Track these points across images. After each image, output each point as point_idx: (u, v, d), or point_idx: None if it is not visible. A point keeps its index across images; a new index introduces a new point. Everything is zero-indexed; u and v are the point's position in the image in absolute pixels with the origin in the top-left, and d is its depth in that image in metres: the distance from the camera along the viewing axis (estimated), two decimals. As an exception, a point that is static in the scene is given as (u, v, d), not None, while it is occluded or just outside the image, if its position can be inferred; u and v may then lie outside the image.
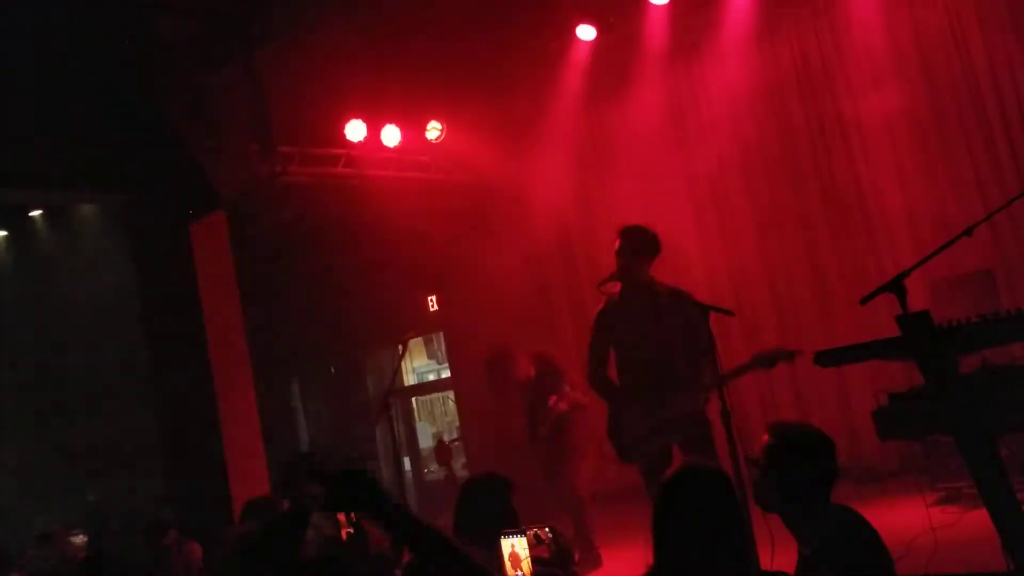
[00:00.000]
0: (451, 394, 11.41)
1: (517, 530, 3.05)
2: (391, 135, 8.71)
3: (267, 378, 9.11)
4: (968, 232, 3.58)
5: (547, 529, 3.37)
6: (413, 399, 12.40)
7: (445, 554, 2.12)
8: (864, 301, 3.47)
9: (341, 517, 4.07)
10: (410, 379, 12.43)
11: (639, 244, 5.26)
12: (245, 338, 8.30)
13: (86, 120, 7.56)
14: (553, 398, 6.84)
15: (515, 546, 3.00)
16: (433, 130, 9.06)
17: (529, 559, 3.00)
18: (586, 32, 8.60)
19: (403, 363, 11.53)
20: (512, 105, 9.75)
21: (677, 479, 2.52)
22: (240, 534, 3.01)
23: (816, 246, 8.11)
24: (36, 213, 11.42)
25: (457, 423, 11.17)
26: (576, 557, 6.32)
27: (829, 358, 3.79)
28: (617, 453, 5.35)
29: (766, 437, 2.95)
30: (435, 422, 12.49)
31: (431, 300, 10.62)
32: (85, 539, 8.63)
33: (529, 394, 7.15)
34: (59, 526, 8.77)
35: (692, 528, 2.40)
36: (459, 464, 10.47)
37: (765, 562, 3.71)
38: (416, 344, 12.07)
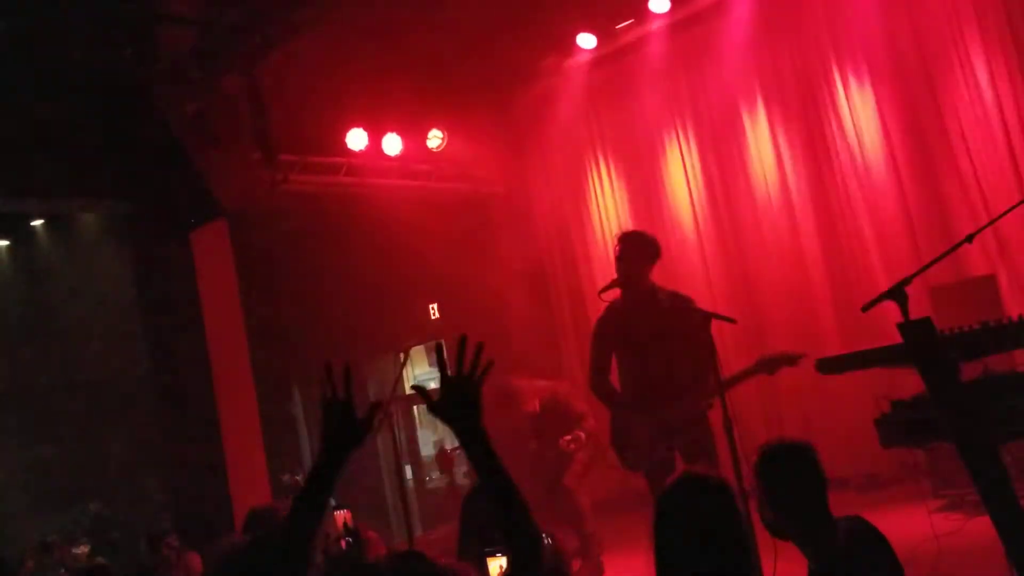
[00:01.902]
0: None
1: (502, 548, 2.75)
2: (392, 144, 8.72)
3: (268, 385, 9.09)
4: (969, 239, 3.58)
5: (544, 535, 3.31)
6: (414, 407, 12.37)
7: (506, 488, 2.29)
8: (866, 308, 3.46)
9: (339, 526, 4.02)
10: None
11: (639, 249, 5.24)
12: (246, 345, 8.29)
13: (87, 129, 7.57)
14: (566, 438, 6.80)
15: (503, 567, 2.74)
16: (434, 139, 9.08)
17: None
18: (587, 41, 8.62)
19: (404, 371, 11.49)
20: (513, 113, 9.77)
21: (677, 487, 2.51)
22: (229, 546, 2.88)
23: (819, 252, 8.09)
24: (37, 222, 11.43)
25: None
26: (576, 565, 6.33)
27: (831, 365, 3.78)
28: (620, 460, 5.33)
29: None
30: (436, 430, 12.44)
31: (432, 308, 10.60)
32: (87, 548, 8.60)
33: (534, 429, 7.13)
34: (60, 535, 8.75)
35: (692, 536, 2.40)
36: (460, 471, 10.44)
37: (768, 573, 3.70)
38: (417, 352, 12.05)
